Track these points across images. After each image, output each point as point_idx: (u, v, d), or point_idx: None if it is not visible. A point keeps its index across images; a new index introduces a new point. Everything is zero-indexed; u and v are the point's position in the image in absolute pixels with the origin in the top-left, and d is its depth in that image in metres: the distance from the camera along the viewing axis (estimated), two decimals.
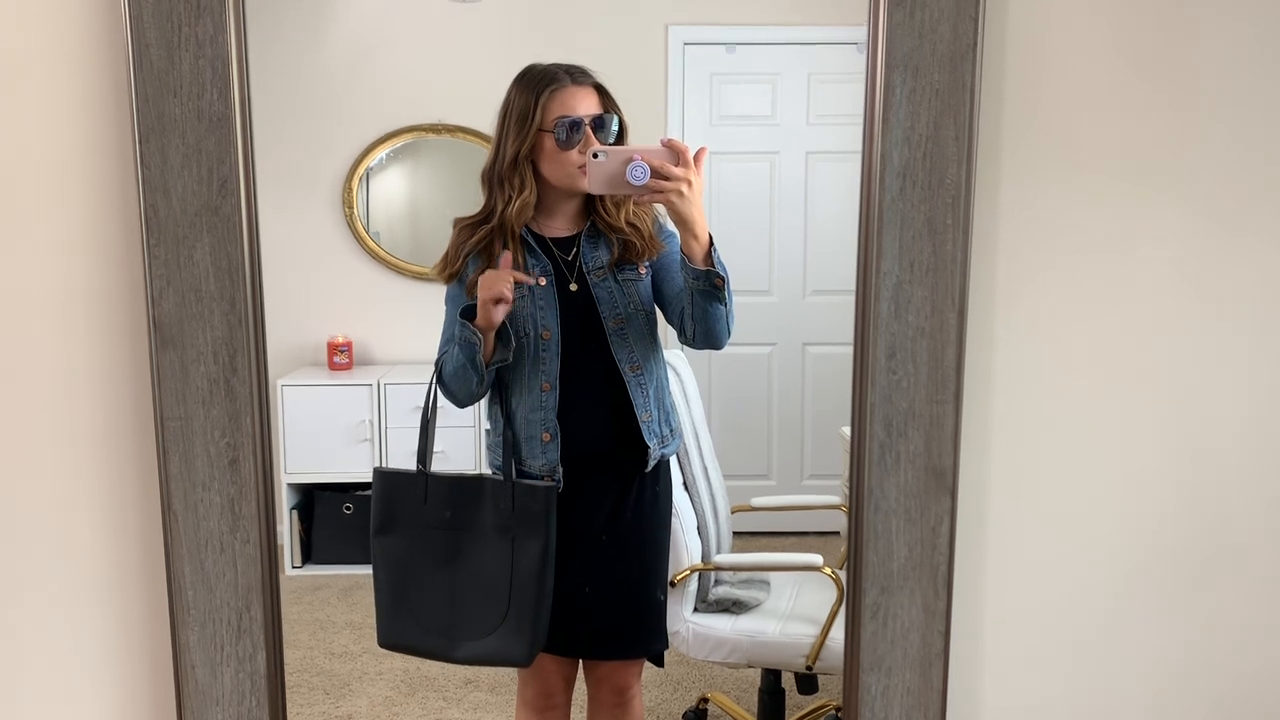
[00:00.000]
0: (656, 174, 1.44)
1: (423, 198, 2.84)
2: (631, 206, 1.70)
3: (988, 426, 1.17)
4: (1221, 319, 1.19)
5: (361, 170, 2.69)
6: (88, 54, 1.09)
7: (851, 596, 1.15)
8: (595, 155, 1.44)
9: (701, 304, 1.58)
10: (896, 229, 1.08)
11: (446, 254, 1.68)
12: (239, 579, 1.10)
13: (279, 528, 2.44)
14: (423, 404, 1.70)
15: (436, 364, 1.69)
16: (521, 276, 1.59)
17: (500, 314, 1.57)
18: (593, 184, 1.47)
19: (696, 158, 1.47)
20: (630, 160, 1.43)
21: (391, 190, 2.79)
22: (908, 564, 1.13)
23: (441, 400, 1.70)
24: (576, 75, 1.63)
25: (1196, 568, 1.23)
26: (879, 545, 1.13)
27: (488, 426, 1.77)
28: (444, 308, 1.71)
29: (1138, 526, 1.21)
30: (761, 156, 2.67)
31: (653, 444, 1.71)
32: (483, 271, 1.63)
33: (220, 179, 1.06)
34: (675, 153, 1.45)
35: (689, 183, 1.46)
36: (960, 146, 1.07)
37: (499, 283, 1.56)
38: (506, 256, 1.60)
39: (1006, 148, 1.13)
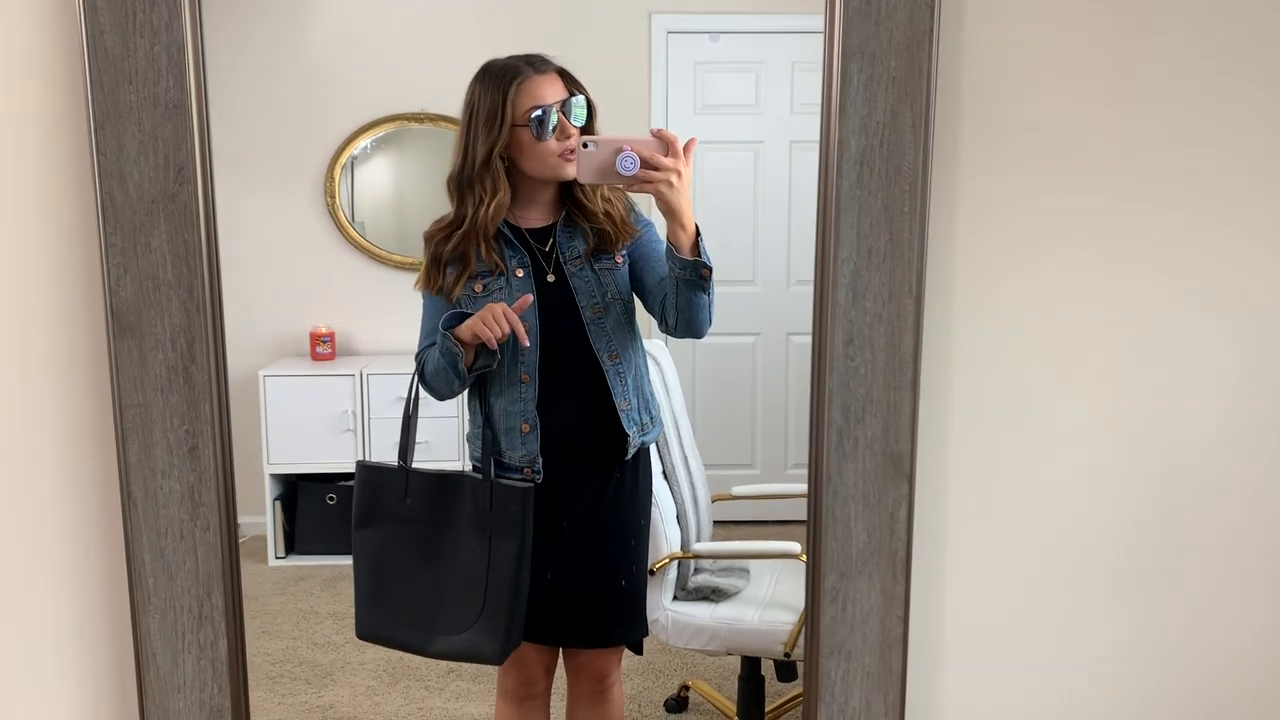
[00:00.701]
0: (646, 164, 1.44)
1: (408, 187, 2.84)
2: (605, 191, 1.70)
3: (946, 413, 1.17)
4: (1182, 306, 1.19)
5: (344, 159, 2.68)
6: (41, 41, 1.08)
7: (811, 582, 1.15)
8: (585, 145, 1.44)
9: (686, 293, 1.58)
10: (854, 216, 1.09)
11: (426, 270, 1.66)
12: (200, 566, 1.10)
13: (262, 519, 2.47)
14: (405, 400, 1.70)
15: (418, 361, 1.69)
16: (520, 331, 1.55)
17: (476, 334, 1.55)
18: (582, 174, 1.47)
19: (686, 148, 1.47)
20: (620, 150, 1.43)
21: (376, 179, 2.78)
22: (866, 549, 1.13)
23: (423, 393, 1.70)
24: (537, 64, 1.62)
25: (1154, 554, 1.23)
26: (837, 530, 1.13)
27: (471, 418, 1.77)
28: (422, 302, 1.71)
29: (1096, 512, 1.22)
30: (745, 146, 2.67)
31: (632, 432, 1.71)
32: (460, 275, 1.62)
33: (177, 166, 1.06)
34: (665, 143, 1.45)
35: (679, 173, 1.46)
36: (917, 134, 1.07)
37: (498, 326, 1.53)
38: (527, 299, 1.57)
39: (965, 135, 1.13)
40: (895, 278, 1.09)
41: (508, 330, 1.55)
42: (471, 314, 1.59)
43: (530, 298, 1.59)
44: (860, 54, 1.06)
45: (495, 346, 1.56)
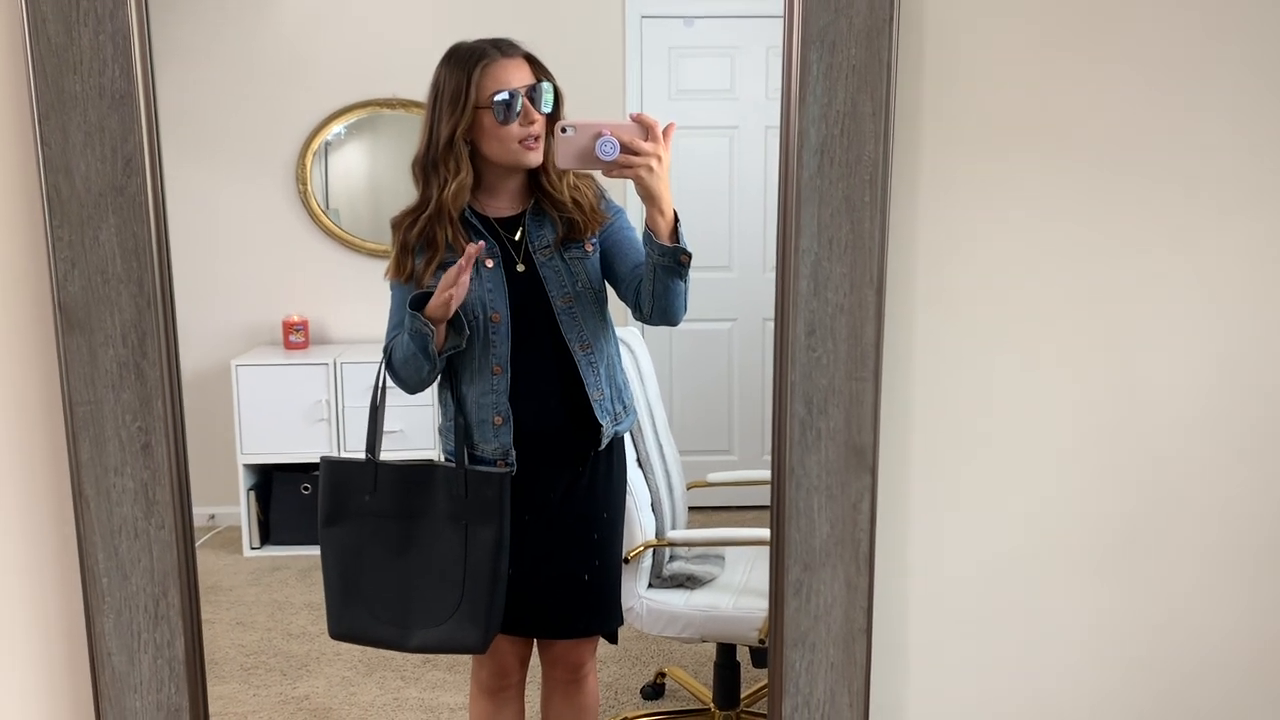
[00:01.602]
0: (626, 149, 1.42)
1: (382, 173, 2.81)
2: (573, 180, 1.68)
3: (909, 403, 1.17)
4: (1149, 292, 1.19)
5: (316, 146, 2.65)
6: None
7: (774, 573, 1.15)
8: (564, 130, 1.42)
9: (663, 280, 1.57)
10: (815, 206, 1.08)
11: (395, 257, 1.64)
12: (154, 565, 1.09)
13: (237, 509, 2.45)
14: (371, 391, 1.69)
15: (385, 351, 1.67)
16: (469, 258, 1.52)
17: (454, 305, 1.54)
18: (561, 159, 1.45)
19: (665, 133, 1.46)
20: (600, 135, 1.41)
21: (350, 166, 2.76)
22: (830, 540, 1.13)
23: (390, 384, 1.68)
24: (505, 48, 1.60)
25: (1121, 543, 1.23)
26: (801, 522, 1.13)
27: (442, 410, 1.75)
28: (390, 292, 1.69)
29: (1059, 501, 1.22)
30: (721, 131, 2.65)
31: (605, 422, 1.70)
32: (429, 262, 1.61)
33: (125, 157, 1.04)
34: (645, 128, 1.44)
35: (659, 158, 1.45)
36: (878, 123, 1.06)
37: (457, 272, 1.51)
38: (480, 246, 1.54)
39: (926, 124, 1.12)
40: (856, 268, 1.08)
41: (466, 278, 1.52)
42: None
43: (482, 244, 1.57)
44: (820, 42, 1.05)
45: (461, 298, 1.54)
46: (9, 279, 1.09)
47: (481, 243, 1.58)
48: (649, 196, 1.49)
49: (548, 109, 1.61)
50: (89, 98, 1.03)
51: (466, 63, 1.59)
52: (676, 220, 1.53)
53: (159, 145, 1.06)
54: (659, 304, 1.61)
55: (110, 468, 1.07)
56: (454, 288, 1.52)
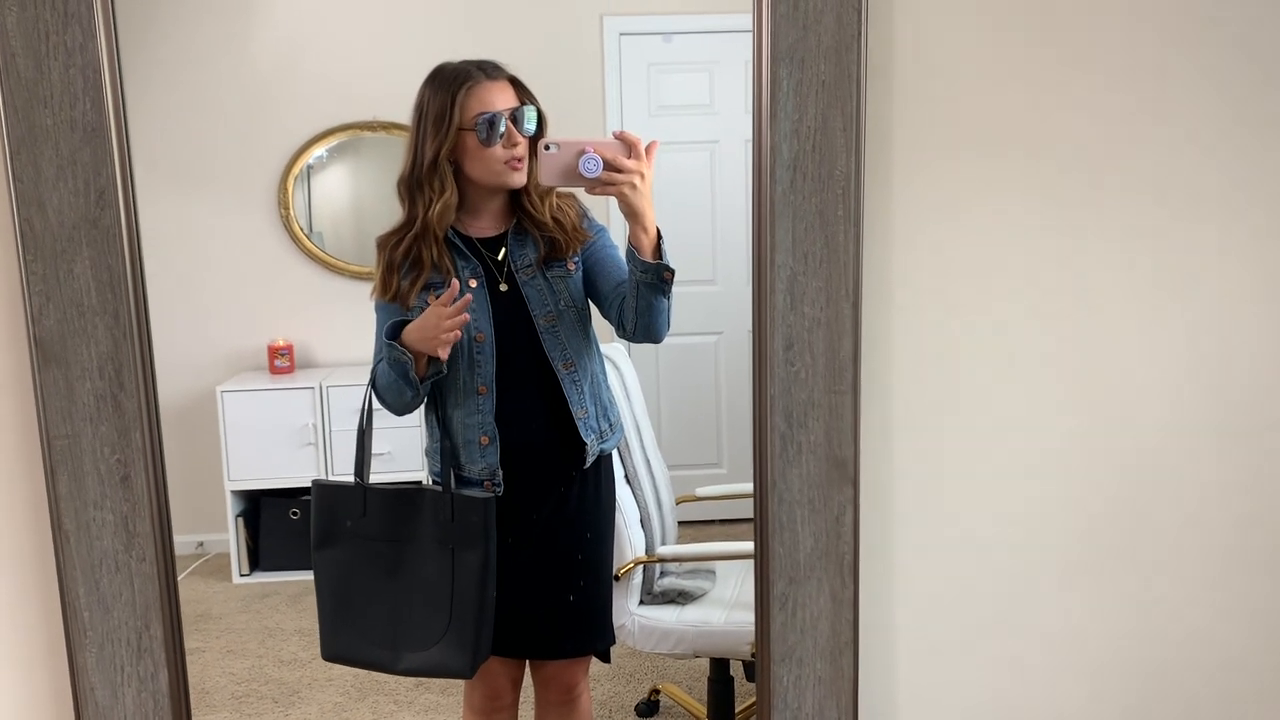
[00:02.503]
0: (609, 166, 1.43)
1: (365, 196, 2.82)
2: (555, 200, 1.68)
3: (888, 415, 1.17)
4: (1123, 298, 1.20)
5: (298, 169, 2.65)
6: None
7: (759, 588, 1.15)
8: (547, 148, 1.43)
9: (646, 297, 1.58)
10: (789, 221, 1.08)
11: (381, 277, 1.64)
12: (136, 597, 1.08)
13: (225, 536, 2.44)
14: (358, 415, 1.68)
15: (371, 374, 1.67)
16: (462, 315, 1.51)
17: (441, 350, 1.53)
18: (544, 177, 1.46)
19: (648, 150, 1.46)
20: (583, 152, 1.42)
21: (333, 189, 2.76)
22: (814, 554, 1.13)
23: (377, 406, 1.68)
24: (490, 70, 1.61)
25: (1099, 550, 1.24)
26: (784, 536, 1.13)
27: (428, 433, 1.75)
28: (375, 314, 1.69)
29: (1040, 509, 1.22)
30: (701, 145, 2.66)
31: (590, 440, 1.70)
32: (415, 281, 1.60)
33: (98, 190, 1.04)
34: (628, 145, 1.45)
35: (641, 175, 1.45)
36: (849, 137, 1.07)
37: (448, 329, 1.50)
38: (466, 299, 1.54)
39: (897, 137, 1.12)
40: (832, 282, 1.09)
41: (456, 334, 1.52)
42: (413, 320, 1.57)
43: (470, 297, 1.57)
44: (789, 59, 1.06)
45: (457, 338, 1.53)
46: None
47: (469, 297, 1.57)
48: (632, 213, 1.49)
49: (530, 133, 1.62)
50: (60, 131, 1.03)
51: (451, 84, 1.59)
52: (660, 237, 1.54)
53: (132, 177, 1.06)
54: (642, 321, 1.62)
55: (90, 501, 1.07)
56: (449, 332, 1.51)
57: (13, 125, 1.02)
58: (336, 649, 1.69)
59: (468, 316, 1.54)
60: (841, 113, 1.06)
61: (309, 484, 1.72)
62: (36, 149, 1.03)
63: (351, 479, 1.67)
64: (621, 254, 1.63)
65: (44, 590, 1.12)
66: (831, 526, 1.13)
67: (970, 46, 1.13)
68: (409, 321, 1.57)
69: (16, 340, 1.08)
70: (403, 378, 1.58)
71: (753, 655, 2.06)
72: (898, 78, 1.11)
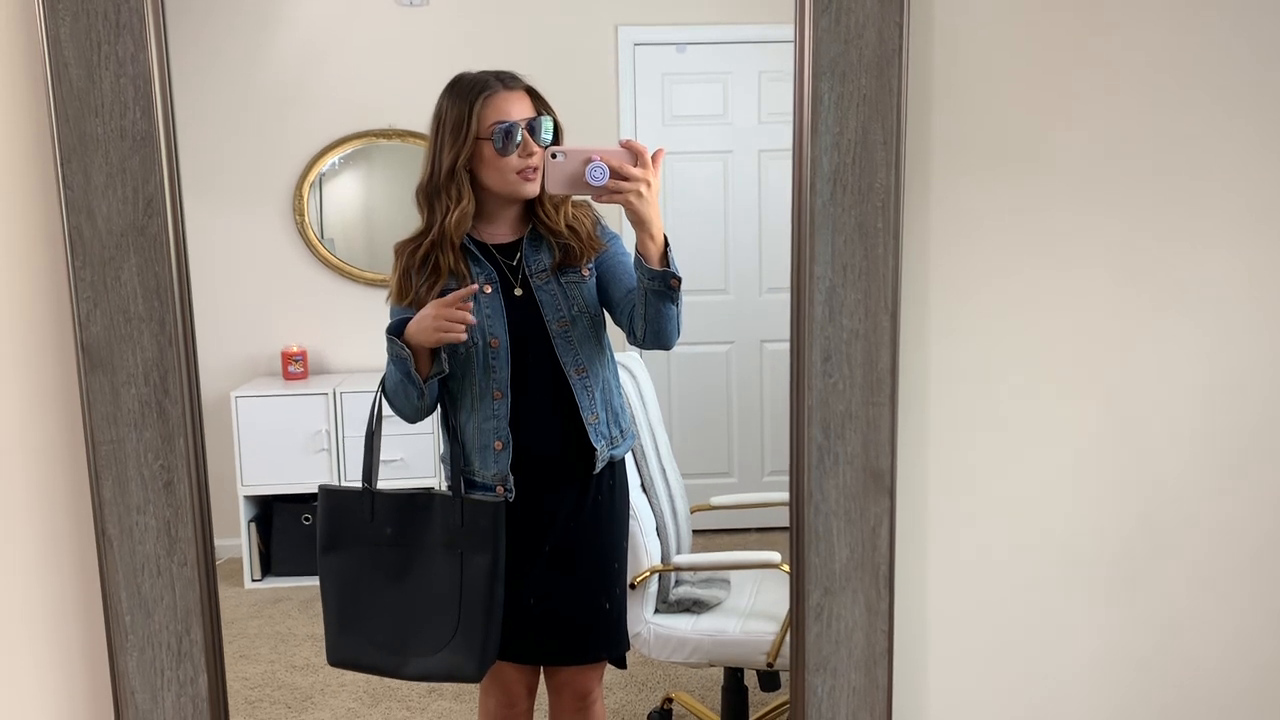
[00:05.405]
0: (616, 174, 1.44)
1: (377, 203, 2.82)
2: (570, 209, 1.70)
3: (924, 427, 1.18)
4: (1154, 316, 1.21)
5: (312, 177, 2.66)
6: (5, 74, 1.07)
7: (795, 599, 1.15)
8: (554, 156, 1.44)
9: (655, 304, 1.59)
10: (828, 233, 1.09)
11: (398, 282, 1.65)
12: (177, 602, 1.09)
13: (237, 541, 2.44)
14: (367, 420, 1.69)
15: (381, 379, 1.68)
16: (467, 315, 1.54)
17: (442, 340, 1.55)
18: (551, 185, 1.47)
19: (654, 158, 1.48)
20: (589, 161, 1.43)
21: (345, 196, 2.76)
22: (849, 565, 1.14)
23: (387, 411, 1.69)
24: (507, 80, 1.62)
25: (1134, 562, 1.25)
26: (820, 547, 1.13)
27: (444, 438, 1.75)
28: (389, 319, 1.70)
29: (1075, 522, 1.23)
30: (714, 156, 2.68)
31: (600, 446, 1.71)
32: (432, 287, 1.62)
33: (146, 198, 1.05)
34: (634, 153, 1.46)
35: (648, 183, 1.46)
36: (889, 151, 1.08)
37: (446, 319, 1.52)
38: (471, 288, 1.56)
39: (936, 151, 1.14)
40: (871, 294, 1.10)
41: (462, 327, 1.53)
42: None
43: (475, 286, 1.58)
44: (831, 73, 1.07)
45: (462, 339, 1.55)
46: (32, 320, 1.10)
47: (474, 286, 1.59)
48: (638, 221, 1.50)
49: (547, 142, 1.63)
50: (110, 140, 1.04)
51: (469, 94, 1.61)
52: (667, 245, 1.55)
53: (179, 185, 1.07)
54: (651, 328, 1.63)
55: (133, 506, 1.07)
56: (447, 321, 1.53)
57: (64, 134, 1.03)
58: (342, 654, 1.69)
59: (470, 315, 1.55)
60: (882, 126, 1.07)
61: None
62: (87, 157, 1.03)
63: (356, 486, 1.68)
64: (632, 262, 1.64)
65: (86, 594, 1.12)
66: (868, 538, 1.13)
67: (1008, 60, 1.14)
68: (409, 320, 1.58)
69: (63, 346, 1.08)
70: (405, 375, 1.59)
71: (769, 664, 2.07)
72: (937, 92, 1.12)
